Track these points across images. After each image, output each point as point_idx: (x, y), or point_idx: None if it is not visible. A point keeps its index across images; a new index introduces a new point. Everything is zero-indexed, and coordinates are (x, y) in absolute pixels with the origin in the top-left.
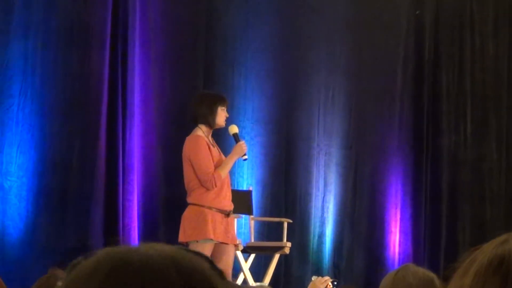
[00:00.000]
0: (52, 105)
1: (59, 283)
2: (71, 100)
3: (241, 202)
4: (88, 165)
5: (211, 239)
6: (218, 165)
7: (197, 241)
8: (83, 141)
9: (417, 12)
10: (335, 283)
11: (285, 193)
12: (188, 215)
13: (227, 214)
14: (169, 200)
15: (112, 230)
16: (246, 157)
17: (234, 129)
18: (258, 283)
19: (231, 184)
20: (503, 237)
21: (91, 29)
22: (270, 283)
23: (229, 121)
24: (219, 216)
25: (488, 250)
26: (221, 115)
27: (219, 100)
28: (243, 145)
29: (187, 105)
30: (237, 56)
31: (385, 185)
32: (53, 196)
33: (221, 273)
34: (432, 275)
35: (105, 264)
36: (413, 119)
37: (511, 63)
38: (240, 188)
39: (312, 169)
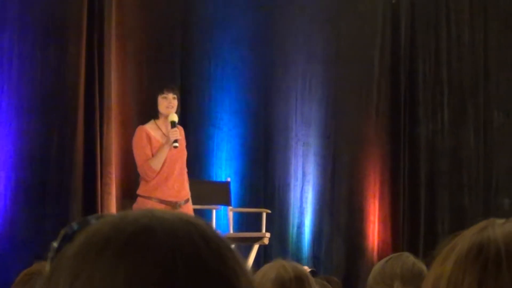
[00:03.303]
0: (29, 100)
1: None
2: (48, 94)
3: (220, 193)
4: (66, 159)
5: None
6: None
7: None
8: (60, 135)
9: (393, 1)
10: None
11: (263, 184)
12: (134, 206)
13: (173, 206)
14: None
15: None
16: (175, 144)
17: (172, 117)
18: None
19: (209, 175)
20: (482, 223)
21: (67, 23)
22: None
23: (207, 113)
24: (161, 207)
25: (467, 237)
26: (161, 104)
27: (158, 90)
28: (172, 132)
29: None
30: (213, 47)
31: (364, 175)
32: (31, 190)
33: None
34: (422, 268)
35: (121, 232)
36: (390, 108)
37: (487, 51)
38: (219, 179)
39: (290, 159)
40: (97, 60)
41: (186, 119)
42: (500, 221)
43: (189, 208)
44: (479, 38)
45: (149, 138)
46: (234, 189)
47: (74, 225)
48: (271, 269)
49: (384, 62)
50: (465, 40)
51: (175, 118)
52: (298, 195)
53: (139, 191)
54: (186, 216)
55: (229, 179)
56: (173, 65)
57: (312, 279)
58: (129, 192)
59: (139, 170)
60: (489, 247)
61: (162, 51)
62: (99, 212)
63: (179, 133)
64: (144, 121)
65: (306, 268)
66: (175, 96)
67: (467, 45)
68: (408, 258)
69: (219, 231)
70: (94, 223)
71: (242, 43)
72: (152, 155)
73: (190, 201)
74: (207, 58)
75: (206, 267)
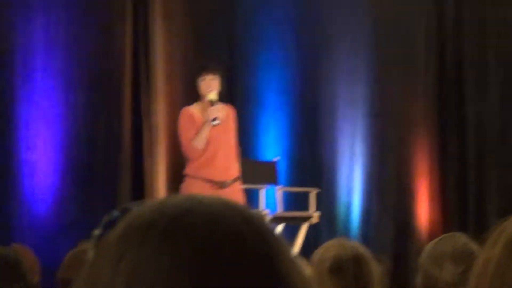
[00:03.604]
0: (76, 79)
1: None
2: (95, 74)
3: (267, 172)
4: (114, 139)
5: None
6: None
7: None
8: (108, 114)
9: None
10: None
11: (311, 163)
12: (183, 185)
13: (220, 185)
14: None
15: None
16: (215, 122)
17: (210, 95)
18: None
19: (256, 155)
20: None
21: (113, 3)
22: (299, 253)
23: (254, 92)
24: (206, 187)
25: None
26: (202, 86)
27: (197, 72)
28: (211, 110)
29: None
30: (259, 27)
31: (412, 154)
32: (80, 170)
33: None
34: (474, 248)
35: (163, 215)
36: (437, 88)
37: None
38: (266, 159)
39: (338, 138)
40: (143, 40)
41: (233, 99)
42: None
43: (237, 188)
44: None
45: (192, 119)
46: (282, 168)
47: (115, 213)
48: (331, 247)
49: (430, 41)
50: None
51: (213, 96)
52: (346, 174)
53: (186, 171)
54: (227, 199)
55: (277, 158)
56: (219, 45)
57: (372, 261)
58: (177, 172)
59: (184, 150)
60: None
61: (209, 31)
62: (148, 192)
63: (218, 111)
64: (190, 100)
65: None
66: (214, 76)
67: None
68: (460, 238)
69: (261, 214)
70: (135, 209)
71: (287, 24)
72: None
73: (240, 181)
74: (253, 38)
75: (248, 249)
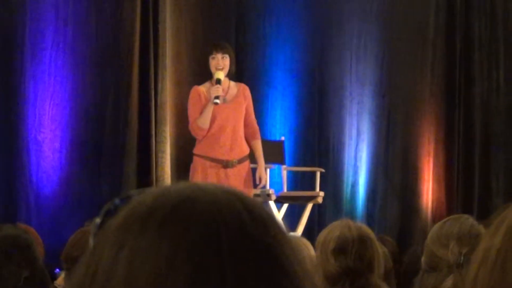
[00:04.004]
0: (84, 57)
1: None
2: (103, 51)
3: (274, 151)
4: (121, 118)
5: None
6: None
7: None
8: (115, 93)
9: None
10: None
11: (318, 143)
12: (191, 165)
13: (225, 164)
14: None
15: (145, 182)
16: (216, 101)
17: (217, 74)
18: (291, 233)
19: (263, 134)
20: None
21: None
22: (304, 233)
23: (262, 72)
24: (212, 166)
25: None
26: (211, 64)
27: (208, 50)
28: (213, 89)
29: None
30: (268, 5)
31: (418, 134)
32: (86, 148)
33: None
34: (480, 230)
35: (164, 203)
36: (445, 67)
37: None
38: (273, 138)
39: (344, 118)
40: (152, 18)
41: (241, 77)
42: None
43: (244, 168)
44: None
45: (200, 98)
46: (288, 148)
47: (117, 201)
48: (336, 227)
49: (439, 21)
50: None
51: (220, 75)
52: (352, 154)
53: (194, 150)
54: (228, 187)
55: (283, 138)
56: (228, 24)
57: (376, 242)
58: (183, 151)
59: (190, 129)
60: None
61: (217, 10)
62: (154, 171)
63: (221, 90)
64: (198, 79)
65: None
66: (224, 55)
67: None
68: (467, 220)
69: (263, 204)
70: (136, 197)
71: (297, 1)
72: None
73: (248, 161)
74: (262, 17)
75: (249, 236)
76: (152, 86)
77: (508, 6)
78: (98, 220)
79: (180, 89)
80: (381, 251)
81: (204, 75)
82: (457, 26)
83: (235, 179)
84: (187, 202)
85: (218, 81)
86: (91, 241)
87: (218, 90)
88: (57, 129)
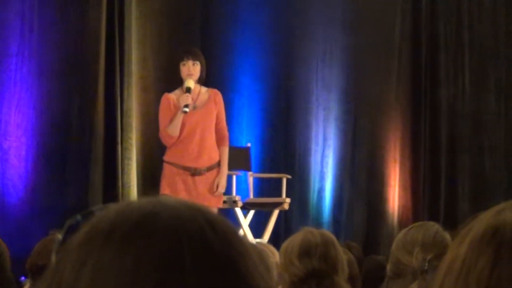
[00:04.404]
0: (50, 64)
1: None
2: (69, 58)
3: (240, 158)
4: (86, 124)
5: (167, 195)
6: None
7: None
8: (81, 99)
9: None
10: None
11: (284, 149)
12: (163, 171)
13: (193, 172)
14: None
15: (112, 189)
16: (185, 109)
17: (187, 83)
18: (257, 240)
19: (229, 141)
20: (500, 206)
21: None
22: (270, 239)
23: (228, 78)
24: (180, 173)
25: (484, 220)
26: (182, 71)
27: (179, 56)
28: (183, 97)
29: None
30: (234, 11)
31: (384, 139)
32: (52, 156)
33: None
34: (445, 237)
35: (126, 218)
36: (411, 72)
37: (508, 13)
38: (239, 145)
39: (311, 124)
40: (117, 24)
41: (207, 83)
42: None
43: (212, 176)
44: (500, 0)
45: (170, 105)
46: (254, 154)
47: (78, 217)
48: (298, 235)
49: (405, 25)
50: (486, 1)
51: (190, 84)
52: (318, 160)
53: (164, 157)
54: (191, 202)
55: (249, 144)
56: (193, 29)
57: (339, 246)
58: (149, 158)
59: (160, 136)
60: (504, 230)
61: (183, 16)
62: (121, 178)
63: (190, 99)
64: (164, 86)
65: None
66: (195, 62)
67: (488, 7)
68: (432, 227)
69: (225, 218)
70: (98, 213)
71: (263, 8)
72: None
73: (218, 168)
74: (228, 23)
75: (212, 250)
76: (118, 93)
77: (473, 10)
78: (60, 236)
79: (146, 95)
80: (346, 257)
81: (170, 81)
82: (422, 31)
83: (203, 186)
84: (150, 217)
85: (188, 90)
86: (53, 258)
87: (187, 98)
88: (22, 136)
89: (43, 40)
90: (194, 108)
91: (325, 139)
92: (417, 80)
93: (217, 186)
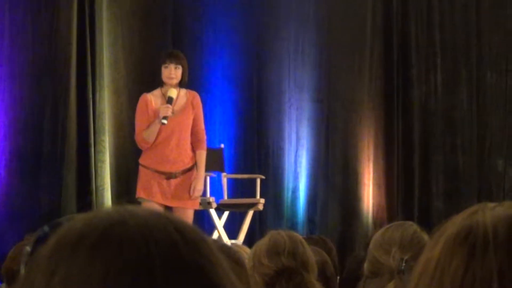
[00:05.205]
0: (21, 68)
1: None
2: (40, 62)
3: (213, 159)
4: (59, 128)
5: (143, 198)
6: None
7: (143, 199)
8: (53, 103)
9: None
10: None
11: (257, 149)
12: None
13: (168, 176)
14: None
15: (85, 192)
16: (163, 121)
17: (170, 92)
18: (232, 241)
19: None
20: (474, 208)
21: None
22: (245, 240)
23: (200, 78)
24: (155, 176)
25: (457, 221)
26: (163, 73)
27: (161, 58)
28: (163, 108)
29: (156, 63)
30: (205, 11)
31: (358, 138)
32: (25, 159)
33: None
34: (423, 237)
35: (94, 227)
36: (383, 71)
37: (479, 12)
38: (212, 146)
39: (284, 123)
40: (88, 26)
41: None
42: (491, 205)
43: (188, 178)
44: None
45: (147, 108)
46: (227, 155)
47: (46, 228)
48: (265, 238)
49: (376, 24)
50: (457, 0)
51: (172, 93)
52: (292, 159)
53: (140, 160)
54: (159, 211)
55: (222, 145)
56: (165, 30)
57: (306, 244)
58: (123, 160)
59: (135, 139)
60: (477, 231)
61: (154, 16)
62: (94, 180)
63: (170, 111)
64: (136, 87)
65: None
66: (177, 66)
67: (459, 6)
68: (411, 227)
69: (195, 226)
70: (66, 224)
71: (234, 7)
72: (149, 125)
73: (194, 170)
74: (199, 23)
75: (181, 257)
76: (90, 96)
77: (444, 9)
78: (28, 248)
79: (118, 97)
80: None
81: (142, 83)
82: (394, 30)
83: (178, 188)
84: (118, 225)
85: (170, 100)
86: (22, 269)
87: (167, 110)
88: None
89: (14, 44)
90: (172, 113)
91: (298, 139)
92: (389, 79)
93: (193, 190)
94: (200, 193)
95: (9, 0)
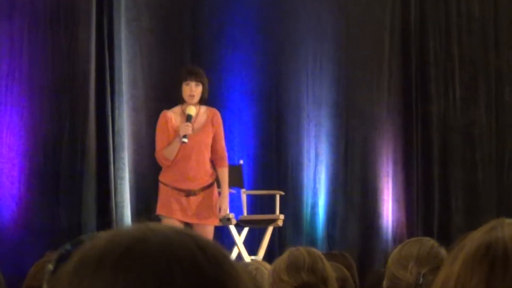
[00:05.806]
0: (40, 86)
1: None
2: (59, 79)
3: (232, 176)
4: (78, 145)
5: (163, 215)
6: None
7: (163, 216)
8: (72, 121)
9: None
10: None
11: (276, 165)
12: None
13: (187, 193)
14: None
15: (105, 209)
16: (184, 140)
17: (188, 110)
18: (252, 257)
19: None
20: (491, 223)
21: (77, 8)
22: (265, 256)
23: (218, 95)
24: (174, 193)
25: (476, 237)
26: (185, 90)
27: (181, 75)
28: (183, 127)
29: (175, 80)
30: (223, 29)
31: (376, 153)
32: (44, 177)
33: None
34: (441, 251)
35: (117, 245)
36: (402, 86)
37: (497, 25)
38: (231, 162)
39: (302, 139)
40: (107, 45)
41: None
42: (509, 220)
43: (208, 195)
44: (489, 12)
45: (167, 125)
46: (247, 171)
47: (68, 246)
48: (284, 255)
49: (394, 40)
50: (475, 14)
51: (191, 111)
52: (311, 175)
53: (159, 177)
54: (180, 228)
55: (241, 162)
56: (183, 48)
57: (326, 260)
58: (142, 177)
59: (156, 156)
60: (496, 247)
61: (172, 34)
62: (114, 197)
63: (190, 129)
64: (155, 105)
65: None
66: (198, 83)
67: (477, 20)
68: (428, 242)
69: (216, 243)
70: (88, 241)
71: (252, 25)
72: (169, 143)
73: (214, 187)
74: (217, 40)
75: (203, 274)
76: (109, 113)
77: (462, 23)
78: (50, 266)
79: (137, 115)
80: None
81: (161, 100)
82: (412, 45)
83: (197, 206)
84: (140, 243)
85: (189, 118)
86: (44, 287)
87: (187, 129)
88: (14, 158)
89: (33, 62)
90: (192, 131)
91: (317, 155)
92: (408, 94)
93: (220, 209)
94: (226, 212)
95: (29, 18)
